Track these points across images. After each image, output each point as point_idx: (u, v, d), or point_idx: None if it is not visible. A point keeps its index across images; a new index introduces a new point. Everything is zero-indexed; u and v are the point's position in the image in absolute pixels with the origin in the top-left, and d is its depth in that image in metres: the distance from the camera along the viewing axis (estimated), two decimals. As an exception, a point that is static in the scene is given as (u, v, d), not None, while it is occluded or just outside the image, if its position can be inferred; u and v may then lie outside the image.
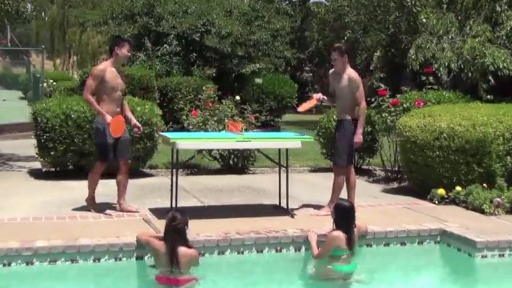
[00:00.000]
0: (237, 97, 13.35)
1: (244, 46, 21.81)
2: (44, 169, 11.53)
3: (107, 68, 8.12)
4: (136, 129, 8.60)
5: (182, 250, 6.01)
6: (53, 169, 11.35)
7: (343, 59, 8.43)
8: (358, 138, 8.39)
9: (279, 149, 8.76)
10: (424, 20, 16.60)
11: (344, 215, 6.75)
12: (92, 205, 8.37)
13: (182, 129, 12.95)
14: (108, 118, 7.96)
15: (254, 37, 21.87)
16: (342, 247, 6.61)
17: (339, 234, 6.63)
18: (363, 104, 8.42)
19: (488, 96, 14.34)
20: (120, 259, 6.68)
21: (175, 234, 5.99)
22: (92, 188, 8.43)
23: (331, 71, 8.74)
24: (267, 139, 8.66)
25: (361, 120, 8.45)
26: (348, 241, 6.62)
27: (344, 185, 8.60)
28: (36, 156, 11.44)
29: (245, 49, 21.88)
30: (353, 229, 6.74)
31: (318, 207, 8.71)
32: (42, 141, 10.85)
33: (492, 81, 14.64)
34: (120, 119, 8.10)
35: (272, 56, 23.43)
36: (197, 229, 7.33)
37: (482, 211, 8.65)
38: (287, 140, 8.50)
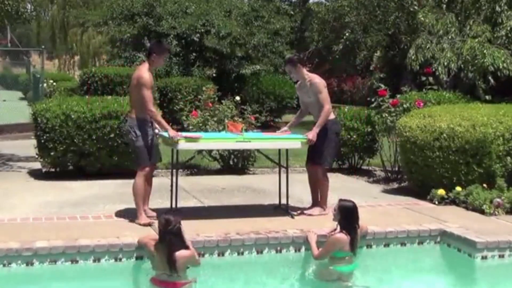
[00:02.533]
0: (237, 98, 13.35)
1: (244, 47, 21.80)
2: (44, 170, 11.53)
3: (150, 75, 7.79)
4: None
5: (179, 253, 5.93)
6: (53, 170, 11.35)
7: (298, 69, 8.32)
8: (312, 135, 8.13)
9: (279, 150, 8.76)
10: (423, 20, 16.58)
11: (348, 216, 6.70)
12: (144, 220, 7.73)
13: (182, 129, 12.93)
14: (173, 132, 7.72)
15: (254, 38, 21.87)
16: (344, 249, 6.58)
17: (342, 236, 6.58)
18: (327, 107, 8.19)
19: (487, 97, 14.34)
20: (120, 260, 6.69)
21: (172, 238, 5.91)
22: (138, 203, 7.78)
23: (297, 84, 8.71)
24: (267, 140, 8.58)
25: (320, 120, 8.19)
26: (351, 243, 6.58)
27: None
28: (36, 156, 11.44)
29: (245, 50, 21.87)
30: (356, 230, 6.71)
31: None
32: (42, 141, 10.85)
33: (492, 81, 14.64)
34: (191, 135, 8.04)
35: (271, 57, 23.42)
36: (197, 230, 7.33)
37: (482, 212, 8.65)
38: (287, 140, 8.45)
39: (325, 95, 8.23)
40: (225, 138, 8.41)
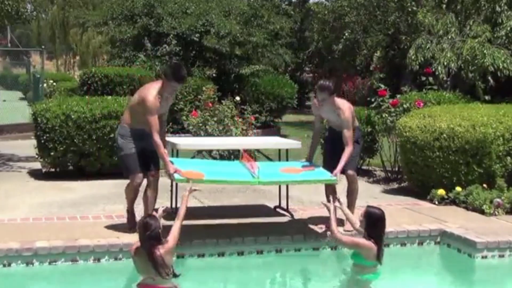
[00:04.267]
0: (237, 98, 13.36)
1: (243, 46, 21.81)
2: (44, 170, 11.53)
3: (157, 97, 7.07)
4: None
5: (160, 252, 5.59)
6: (53, 170, 11.35)
7: (331, 98, 7.63)
8: (338, 171, 7.43)
9: (279, 150, 8.76)
10: (423, 20, 16.60)
11: (373, 224, 6.32)
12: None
13: (182, 129, 12.94)
14: (172, 168, 6.93)
15: (254, 39, 21.88)
16: (371, 259, 6.31)
17: (372, 246, 6.21)
18: (350, 147, 7.57)
19: (486, 97, 14.34)
20: (120, 259, 6.69)
21: (153, 242, 5.59)
22: (128, 204, 7.57)
23: (317, 103, 7.90)
24: (286, 182, 7.59)
25: (344, 158, 7.51)
26: (377, 253, 6.27)
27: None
28: (36, 156, 11.45)
29: (244, 50, 21.88)
30: (383, 239, 6.37)
31: (318, 208, 8.62)
32: (42, 141, 10.86)
33: (491, 81, 14.65)
34: (191, 173, 7.00)
35: (271, 57, 23.43)
36: (197, 230, 7.35)
37: (482, 212, 8.65)
38: (309, 182, 7.59)
39: (351, 133, 7.63)
40: (235, 180, 7.36)
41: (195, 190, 6.43)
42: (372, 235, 6.24)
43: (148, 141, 7.04)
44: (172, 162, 7.00)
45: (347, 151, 7.53)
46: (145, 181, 7.37)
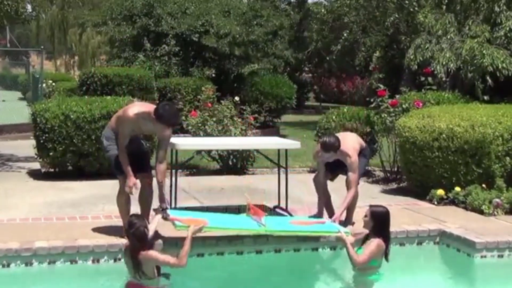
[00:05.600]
0: (236, 98, 13.36)
1: (243, 46, 21.82)
2: (43, 170, 11.53)
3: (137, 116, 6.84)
4: None
5: (142, 254, 5.65)
6: (52, 170, 11.35)
7: (339, 152, 7.45)
8: (336, 217, 7.34)
9: (278, 150, 8.76)
10: (423, 20, 16.58)
11: (383, 223, 6.33)
12: None
13: (181, 129, 12.94)
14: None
15: (253, 36, 21.89)
16: (379, 258, 6.33)
17: (382, 244, 6.21)
18: (353, 190, 7.47)
19: (485, 97, 14.34)
20: (120, 260, 6.68)
21: (135, 241, 5.66)
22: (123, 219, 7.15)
23: (317, 150, 7.65)
24: (293, 232, 6.99)
25: (345, 204, 7.43)
26: (385, 251, 6.29)
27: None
28: (35, 156, 11.45)
29: (244, 49, 21.88)
30: (390, 236, 6.38)
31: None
32: (41, 141, 10.86)
33: (490, 81, 14.65)
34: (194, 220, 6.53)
35: (270, 55, 23.43)
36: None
37: (481, 212, 8.65)
38: (316, 233, 7.11)
39: (356, 176, 7.53)
40: (240, 228, 6.87)
41: (199, 230, 6.16)
42: (381, 233, 6.23)
43: (134, 144, 6.97)
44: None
45: (350, 194, 7.42)
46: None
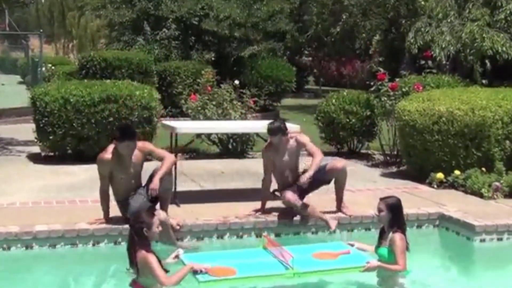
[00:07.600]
0: (236, 82, 13.33)
1: (243, 27, 21.74)
2: (43, 154, 11.54)
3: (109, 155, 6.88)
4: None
5: (140, 256, 5.26)
6: (52, 154, 11.35)
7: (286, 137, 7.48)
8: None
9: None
10: (423, 3, 16.52)
11: (398, 213, 6.11)
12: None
13: (181, 113, 12.93)
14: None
15: (254, 19, 21.83)
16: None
17: (402, 235, 5.99)
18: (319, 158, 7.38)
19: (483, 81, 14.31)
20: (120, 243, 6.70)
21: (131, 234, 5.37)
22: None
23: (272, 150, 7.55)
24: (324, 272, 6.39)
25: (315, 161, 7.37)
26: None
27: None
28: (35, 140, 11.44)
29: (244, 31, 21.82)
30: (406, 227, 6.18)
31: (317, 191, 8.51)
32: (41, 125, 10.85)
33: (488, 65, 14.62)
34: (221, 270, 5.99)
35: (270, 38, 23.34)
36: (196, 213, 7.36)
37: (481, 195, 8.66)
38: (344, 271, 6.38)
39: (321, 156, 7.45)
40: (269, 275, 6.22)
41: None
42: (399, 224, 6.04)
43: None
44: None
45: (317, 158, 7.32)
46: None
